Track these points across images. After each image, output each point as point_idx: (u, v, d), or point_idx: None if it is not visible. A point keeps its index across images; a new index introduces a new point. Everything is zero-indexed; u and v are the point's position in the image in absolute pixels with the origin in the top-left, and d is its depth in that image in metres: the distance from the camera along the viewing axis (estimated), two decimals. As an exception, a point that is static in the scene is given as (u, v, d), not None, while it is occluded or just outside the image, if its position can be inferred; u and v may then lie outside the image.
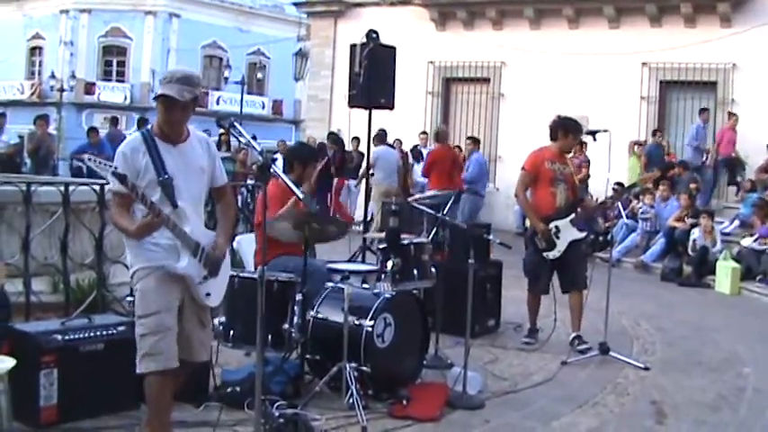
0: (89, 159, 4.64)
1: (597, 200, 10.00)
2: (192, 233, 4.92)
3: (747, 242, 14.55)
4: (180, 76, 4.93)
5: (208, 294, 5.09)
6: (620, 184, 15.64)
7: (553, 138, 8.92)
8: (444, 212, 8.53)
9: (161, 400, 4.96)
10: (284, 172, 6.66)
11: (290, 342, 6.42)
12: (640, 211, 16.68)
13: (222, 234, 5.25)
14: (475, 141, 19.17)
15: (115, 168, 4.61)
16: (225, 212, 5.42)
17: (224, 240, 5.22)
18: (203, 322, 5.16)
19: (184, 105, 4.89)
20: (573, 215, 8.72)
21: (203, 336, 5.19)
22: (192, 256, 4.93)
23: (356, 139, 20.45)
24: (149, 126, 5.06)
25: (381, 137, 17.75)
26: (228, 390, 6.26)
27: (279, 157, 16.31)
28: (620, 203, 15.99)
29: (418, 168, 20.05)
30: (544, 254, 8.71)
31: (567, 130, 8.85)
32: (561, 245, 8.66)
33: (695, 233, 14.99)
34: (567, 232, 8.67)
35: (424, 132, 21.15)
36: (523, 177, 8.94)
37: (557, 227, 8.64)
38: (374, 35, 9.74)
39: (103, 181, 7.62)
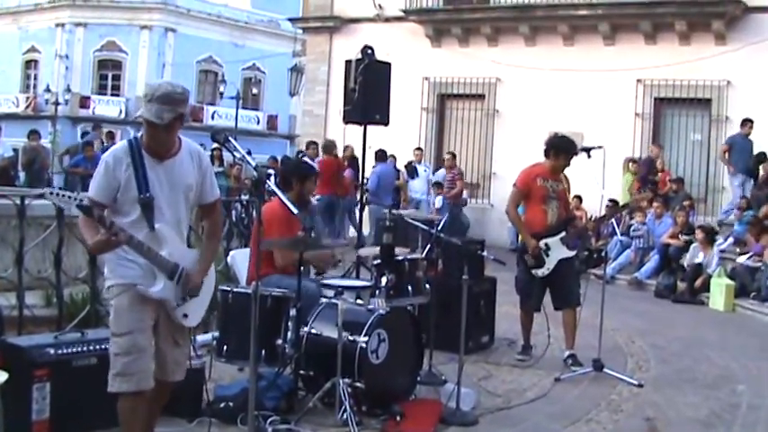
0: (50, 193, 4.51)
1: (592, 217, 10.00)
2: (170, 255, 4.80)
3: (742, 260, 14.58)
4: (160, 94, 4.68)
5: (185, 315, 4.97)
6: (613, 201, 15.66)
7: (547, 155, 8.93)
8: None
9: (133, 421, 4.84)
10: (279, 188, 6.65)
11: (283, 357, 6.41)
12: (632, 228, 16.70)
13: (203, 260, 5.08)
14: (378, 155, 19.22)
15: (80, 201, 4.47)
16: (211, 233, 5.29)
17: (204, 267, 5.05)
18: (178, 342, 5.02)
19: (166, 126, 4.70)
20: (563, 233, 8.73)
21: (178, 355, 5.05)
22: (169, 278, 4.81)
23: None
24: (139, 135, 4.87)
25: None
26: (221, 405, 6.25)
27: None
28: (613, 220, 16.00)
29: (414, 184, 20.13)
30: (533, 271, 8.72)
31: (557, 150, 8.85)
32: (550, 263, 8.66)
33: (698, 256, 14.94)
34: (557, 250, 8.67)
35: (419, 148, 21.18)
36: (515, 194, 8.97)
37: (546, 244, 8.64)
38: (369, 51, 9.75)
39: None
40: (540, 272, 8.68)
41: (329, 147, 18.57)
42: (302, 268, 6.74)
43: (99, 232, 4.61)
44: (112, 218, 4.69)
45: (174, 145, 4.88)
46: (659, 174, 18.54)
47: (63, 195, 4.49)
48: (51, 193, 4.52)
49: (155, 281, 4.79)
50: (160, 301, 4.83)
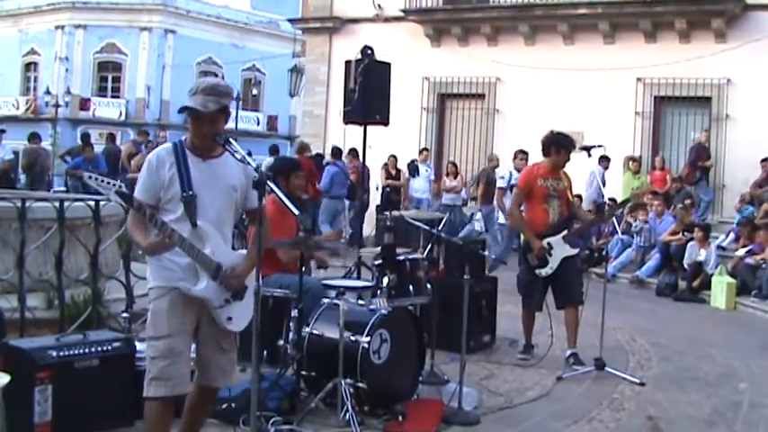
0: (89, 177, 4.44)
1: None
2: (212, 254, 4.74)
3: (740, 252, 14.61)
4: (205, 86, 4.76)
5: (229, 318, 4.88)
6: (613, 199, 15.65)
7: (546, 154, 8.92)
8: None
9: (160, 425, 4.80)
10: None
11: (285, 358, 6.42)
12: (634, 224, 16.67)
13: (249, 258, 4.98)
14: (334, 153, 19.69)
15: (120, 187, 4.42)
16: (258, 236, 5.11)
17: (248, 265, 4.95)
18: (222, 346, 4.95)
19: (212, 117, 4.72)
20: (566, 231, 8.72)
21: (223, 360, 4.99)
22: (212, 278, 4.74)
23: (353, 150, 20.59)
24: (183, 138, 4.88)
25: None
26: (224, 406, 6.22)
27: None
28: (614, 219, 15.99)
29: (415, 183, 20.14)
30: (536, 271, 8.71)
31: (559, 146, 8.85)
32: (553, 262, 8.65)
33: (701, 254, 14.94)
34: (560, 249, 8.67)
35: (426, 149, 21.19)
36: (517, 195, 8.98)
37: (549, 243, 8.64)
38: (369, 51, 9.76)
39: (98, 197, 7.61)
40: (544, 271, 8.68)
41: (303, 147, 19.58)
42: (303, 267, 6.74)
43: (149, 231, 4.62)
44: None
45: (218, 145, 4.84)
46: (708, 161, 18.50)
47: (102, 181, 4.44)
48: (90, 177, 4.47)
49: (197, 280, 4.74)
50: (202, 302, 4.78)
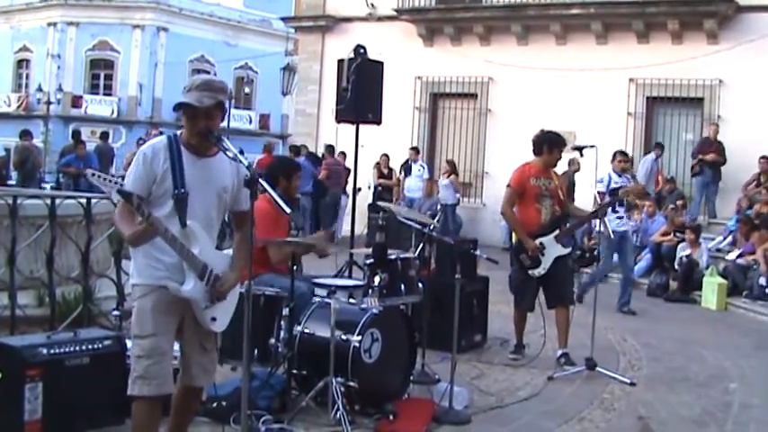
0: (92, 175, 4.42)
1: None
2: (200, 254, 4.69)
3: (732, 256, 14.63)
4: (200, 82, 4.71)
5: (213, 319, 4.86)
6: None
7: (537, 152, 8.91)
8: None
9: (148, 425, 4.77)
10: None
11: (276, 357, 6.41)
12: (632, 224, 16.65)
13: (236, 267, 4.95)
14: (293, 150, 20.64)
15: (121, 186, 4.38)
16: (242, 242, 5.02)
17: (236, 275, 4.93)
18: (204, 346, 4.93)
19: (207, 113, 4.65)
20: (557, 231, 8.72)
21: (205, 360, 4.96)
22: (199, 278, 4.70)
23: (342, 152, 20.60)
24: (179, 132, 4.81)
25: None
26: (214, 404, 6.23)
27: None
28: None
29: (408, 182, 20.17)
30: (529, 271, 8.70)
31: (551, 145, 8.84)
32: (546, 262, 8.64)
33: (686, 250, 14.97)
34: (552, 249, 8.66)
35: (415, 148, 21.18)
36: (510, 195, 8.92)
37: (542, 243, 8.63)
38: (362, 50, 9.75)
39: (90, 194, 7.60)
40: (537, 272, 8.67)
41: (269, 147, 22.13)
42: (295, 267, 6.73)
43: (135, 224, 4.52)
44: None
45: (212, 144, 4.77)
46: (711, 155, 18.24)
47: (105, 179, 4.42)
48: (93, 175, 4.44)
49: (184, 279, 4.69)
50: (187, 302, 4.73)
